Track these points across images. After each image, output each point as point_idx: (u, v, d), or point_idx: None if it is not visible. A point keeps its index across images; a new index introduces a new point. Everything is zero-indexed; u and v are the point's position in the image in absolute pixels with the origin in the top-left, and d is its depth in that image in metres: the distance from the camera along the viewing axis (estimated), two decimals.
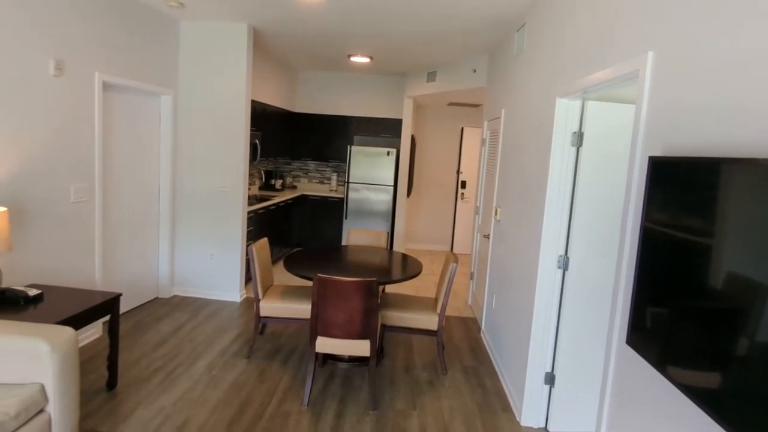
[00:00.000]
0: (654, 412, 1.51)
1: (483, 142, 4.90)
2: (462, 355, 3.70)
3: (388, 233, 4.42)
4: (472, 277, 5.02)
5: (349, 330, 2.82)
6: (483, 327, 4.15)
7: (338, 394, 2.98)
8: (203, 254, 4.54)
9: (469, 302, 5.05)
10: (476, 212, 4.96)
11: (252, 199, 5.39)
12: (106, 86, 3.60)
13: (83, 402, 2.68)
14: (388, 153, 6.56)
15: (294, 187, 7.16)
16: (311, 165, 7.34)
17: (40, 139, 2.98)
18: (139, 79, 3.89)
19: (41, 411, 2.05)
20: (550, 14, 2.90)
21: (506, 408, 2.97)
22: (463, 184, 7.37)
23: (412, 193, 7.46)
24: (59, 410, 2.09)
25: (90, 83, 3.37)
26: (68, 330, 2.17)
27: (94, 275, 3.51)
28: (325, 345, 2.85)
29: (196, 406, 2.72)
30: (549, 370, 2.72)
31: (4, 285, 2.76)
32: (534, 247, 2.81)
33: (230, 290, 4.56)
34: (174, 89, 4.37)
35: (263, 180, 6.58)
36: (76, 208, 3.31)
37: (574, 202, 2.60)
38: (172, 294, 4.55)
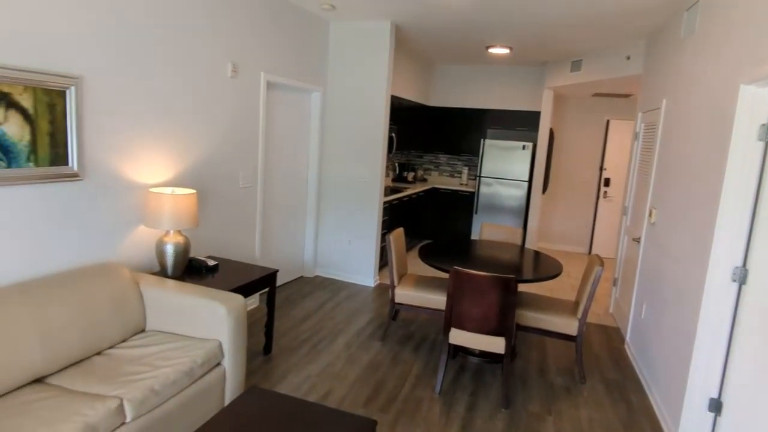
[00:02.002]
0: None
1: (635, 136, 4.44)
2: (603, 366, 3.43)
3: (523, 230, 4.26)
4: (615, 283, 4.61)
5: (483, 325, 2.81)
6: (628, 338, 3.79)
7: (469, 387, 2.99)
8: (343, 240, 4.87)
9: (611, 310, 4.65)
10: (624, 213, 4.53)
11: (386, 191, 5.62)
12: (269, 85, 4.04)
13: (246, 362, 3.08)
14: (523, 147, 6.31)
15: (425, 180, 7.28)
16: (442, 158, 7.38)
17: (219, 131, 3.47)
18: (295, 78, 4.29)
19: (218, 364, 2.41)
20: None
21: (657, 429, 2.69)
22: (607, 182, 6.76)
23: (548, 190, 7.07)
24: (232, 365, 2.44)
25: (257, 83, 3.81)
26: (239, 297, 2.51)
27: (255, 252, 4.00)
28: (458, 337, 2.88)
29: (337, 379, 2.96)
30: (715, 396, 2.39)
31: (191, 255, 3.29)
32: (700, 256, 2.48)
33: (365, 275, 4.83)
34: (323, 86, 4.74)
35: (396, 172, 6.80)
36: (243, 193, 3.80)
37: (758, 205, 2.23)
38: (315, 274, 4.98)
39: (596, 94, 6.41)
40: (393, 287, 3.47)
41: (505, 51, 5.51)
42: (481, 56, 6.06)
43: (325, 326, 3.71)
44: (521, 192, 6.40)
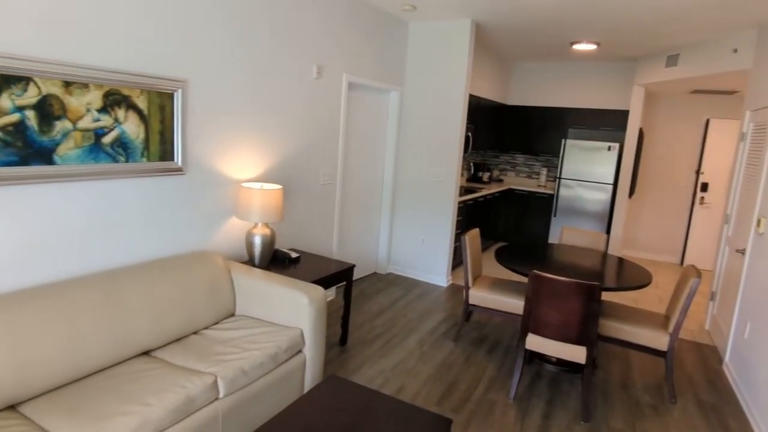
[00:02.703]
0: None
1: (741, 136, 4.03)
2: (696, 386, 3.16)
3: (607, 236, 4.03)
4: (713, 297, 4.22)
5: (563, 332, 2.70)
6: (726, 358, 3.46)
7: (545, 395, 2.89)
8: (416, 238, 4.90)
9: (707, 326, 4.27)
10: (725, 221, 4.14)
11: (460, 191, 5.56)
12: (350, 86, 4.17)
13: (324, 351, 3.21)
14: (608, 148, 5.96)
15: (500, 181, 7.11)
16: (520, 158, 7.17)
17: (303, 130, 3.63)
18: (375, 78, 4.38)
19: (299, 351, 2.53)
20: None
21: None
22: (704, 187, 6.20)
23: (636, 194, 6.62)
24: (312, 353, 2.56)
25: (339, 83, 3.94)
26: (320, 289, 2.62)
27: (332, 246, 4.15)
28: (535, 343, 2.79)
29: (410, 376, 2.99)
30: None
31: (276, 247, 3.48)
32: None
33: (438, 274, 4.82)
34: (401, 86, 4.79)
35: (471, 172, 6.71)
36: (323, 189, 3.95)
37: None
38: (388, 271, 5.06)
39: (695, 91, 5.90)
40: (467, 288, 3.44)
41: (591, 47, 5.24)
42: (564, 53, 5.80)
43: (398, 323, 3.76)
44: (605, 195, 6.05)
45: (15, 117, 1.97)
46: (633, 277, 3.13)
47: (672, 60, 5.11)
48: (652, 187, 6.55)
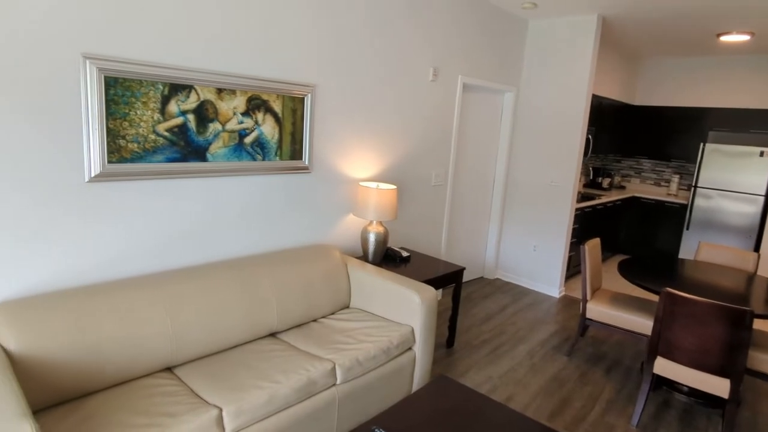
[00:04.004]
0: None
1: None
2: None
3: (758, 255, 3.51)
4: None
5: (700, 360, 2.41)
6: None
7: (674, 427, 2.60)
8: (527, 245, 4.71)
9: None
10: None
11: (577, 197, 5.23)
12: (465, 87, 4.14)
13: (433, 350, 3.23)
14: (761, 153, 5.17)
15: (622, 188, 6.55)
16: (646, 164, 6.53)
17: (417, 132, 3.69)
18: (490, 79, 4.29)
19: (409, 349, 2.58)
20: None
21: None
22: None
23: None
24: (421, 351, 2.59)
25: (454, 85, 3.94)
26: (432, 289, 2.64)
27: (440, 248, 4.16)
28: (665, 368, 2.53)
29: (519, 386, 2.89)
30: None
31: (388, 245, 3.58)
32: None
33: (550, 284, 4.59)
34: (516, 86, 4.64)
35: (590, 177, 6.28)
36: (434, 191, 3.97)
37: None
38: (495, 276, 4.93)
39: None
40: (585, 301, 3.22)
41: (743, 38, 4.59)
42: (706, 46, 5.16)
43: (506, 330, 3.65)
44: (754, 208, 5.26)
45: (179, 120, 2.27)
46: None
47: None
48: None
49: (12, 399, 1.37)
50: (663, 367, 2.54)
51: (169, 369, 2.07)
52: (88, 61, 1.94)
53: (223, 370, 2.02)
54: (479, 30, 4.05)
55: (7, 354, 1.66)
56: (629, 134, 6.36)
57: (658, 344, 2.54)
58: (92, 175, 2.03)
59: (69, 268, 2.03)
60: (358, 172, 3.25)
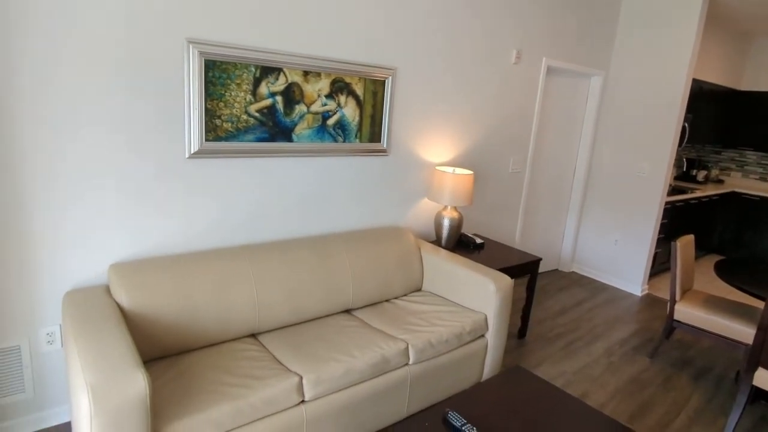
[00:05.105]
0: None
1: None
2: None
3: None
4: None
5: None
6: None
7: None
8: (608, 238, 4.46)
9: None
10: None
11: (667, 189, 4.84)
12: (549, 70, 3.94)
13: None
14: None
15: (720, 182, 5.96)
16: (751, 157, 5.89)
17: (497, 116, 3.58)
18: (576, 61, 4.05)
19: (482, 336, 2.55)
20: None
21: None
22: None
23: None
24: (493, 340, 2.56)
25: (537, 68, 3.76)
26: (507, 278, 2.58)
27: (515, 237, 4.05)
28: (767, 381, 2.30)
29: (595, 384, 2.77)
30: None
31: (462, 231, 3.55)
32: None
33: (631, 281, 4.32)
34: (605, 70, 4.34)
35: (683, 169, 5.78)
36: (511, 178, 3.86)
37: None
38: (571, 270, 4.73)
39: None
40: (673, 301, 3.00)
41: None
42: None
43: (581, 326, 3.50)
44: None
45: (268, 101, 2.38)
46: None
47: None
48: None
49: (127, 350, 1.54)
50: (765, 379, 2.31)
51: (253, 335, 2.21)
52: (191, 45, 2.08)
53: (302, 341, 2.13)
54: (568, 9, 3.82)
55: (121, 309, 1.86)
56: (732, 123, 5.75)
57: (761, 354, 2.31)
58: (192, 151, 2.19)
59: (171, 236, 2.21)
60: (434, 156, 3.23)
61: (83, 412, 1.37)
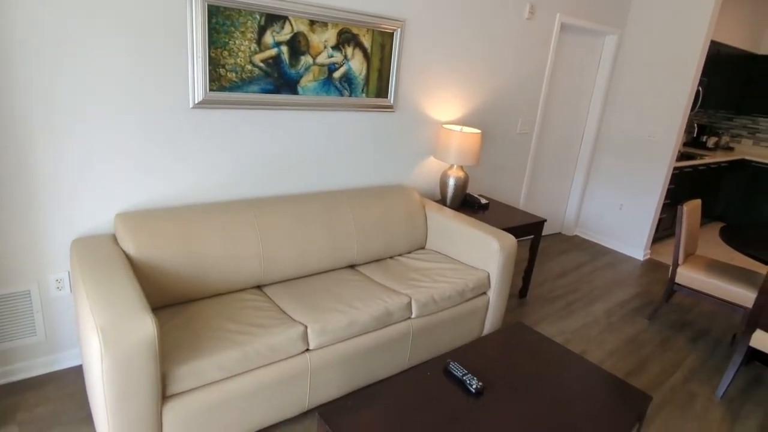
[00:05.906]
0: None
1: None
2: None
3: None
4: None
5: None
6: None
7: (765, 405, 2.44)
8: (612, 202, 4.44)
9: None
10: None
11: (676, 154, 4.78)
12: (563, 27, 3.81)
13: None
14: None
15: (730, 149, 5.87)
16: (764, 124, 5.77)
17: (505, 75, 3.49)
18: (591, 18, 3.91)
19: (484, 293, 2.58)
20: None
21: None
22: None
23: None
24: (495, 297, 2.59)
25: (551, 25, 3.63)
26: (511, 237, 2.58)
27: (519, 198, 4.03)
28: (765, 343, 2.33)
29: (594, 343, 2.82)
30: None
31: (467, 191, 3.53)
32: None
33: (634, 245, 4.33)
34: (620, 29, 4.19)
35: (693, 135, 5.68)
36: (518, 139, 3.80)
37: None
38: (574, 233, 4.73)
39: None
40: (676, 265, 3.01)
41: None
42: None
43: (581, 288, 3.54)
44: None
45: (273, 51, 2.31)
46: None
47: None
48: None
49: (135, 295, 1.56)
50: (762, 341, 2.35)
51: (259, 287, 2.23)
52: None
53: (307, 293, 2.15)
54: None
55: (127, 257, 1.87)
56: (749, 88, 5.60)
57: (760, 317, 2.34)
58: (196, 101, 2.15)
59: (176, 186, 2.21)
60: (441, 114, 3.17)
61: (94, 355, 1.41)
